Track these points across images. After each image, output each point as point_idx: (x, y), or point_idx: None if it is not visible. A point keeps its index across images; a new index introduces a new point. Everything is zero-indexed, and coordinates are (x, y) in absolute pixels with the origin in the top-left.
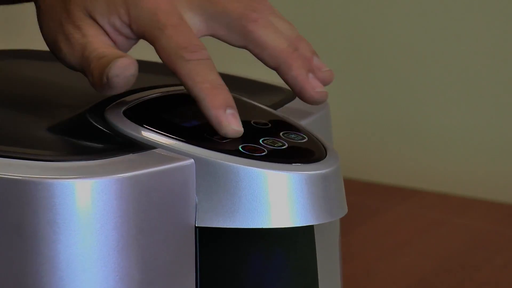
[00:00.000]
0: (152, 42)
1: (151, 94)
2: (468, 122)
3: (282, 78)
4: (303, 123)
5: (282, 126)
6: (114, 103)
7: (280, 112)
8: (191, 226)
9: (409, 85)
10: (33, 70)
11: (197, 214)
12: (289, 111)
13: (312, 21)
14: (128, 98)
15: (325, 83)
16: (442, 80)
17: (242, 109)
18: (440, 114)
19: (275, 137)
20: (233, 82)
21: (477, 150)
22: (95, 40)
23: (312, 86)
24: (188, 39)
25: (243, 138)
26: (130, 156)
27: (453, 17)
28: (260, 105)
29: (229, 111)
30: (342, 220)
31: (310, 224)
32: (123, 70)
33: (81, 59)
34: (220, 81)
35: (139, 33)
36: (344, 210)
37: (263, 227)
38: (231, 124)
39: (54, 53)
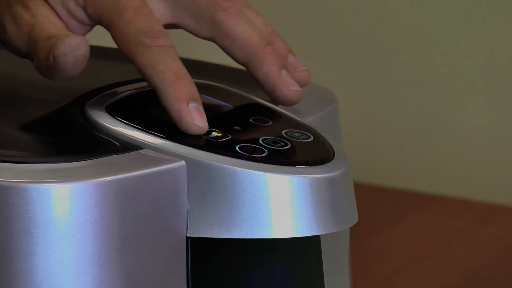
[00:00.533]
0: (108, 26)
1: (137, 88)
2: (493, 123)
3: (252, 75)
4: (308, 120)
5: (284, 123)
6: (95, 97)
7: (283, 108)
8: (182, 237)
9: (428, 81)
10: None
11: (189, 223)
12: (292, 107)
13: (324, 16)
14: (111, 92)
15: (301, 83)
16: (464, 77)
17: (240, 105)
18: (463, 113)
19: (276, 136)
20: (228, 74)
21: (503, 152)
22: (45, 21)
23: (286, 83)
24: (150, 23)
25: (241, 137)
26: (114, 158)
27: (470, 14)
28: (259, 100)
29: (192, 104)
30: (353, 230)
31: (316, 234)
32: (72, 49)
33: (27, 39)
34: (184, 71)
35: (94, 16)
36: (354, 219)
37: (263, 237)
38: (194, 119)
39: None
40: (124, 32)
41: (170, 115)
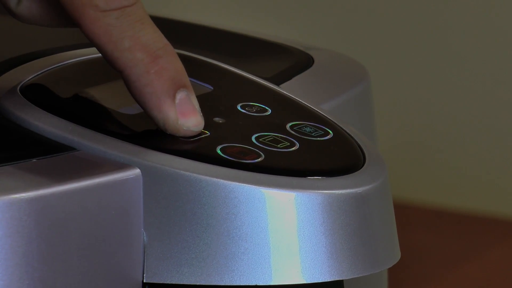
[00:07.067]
0: None
1: (65, 60)
2: None
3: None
4: (326, 107)
5: (290, 112)
6: (4, 74)
7: (287, 89)
8: (136, 284)
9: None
10: None
11: (146, 262)
12: (302, 88)
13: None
14: (27, 67)
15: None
16: None
17: (223, 85)
18: None
19: (278, 131)
20: (205, 38)
21: None
22: None
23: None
24: None
25: (224, 134)
26: (33, 163)
27: None
28: (254, 77)
29: (181, 94)
30: (393, 274)
31: (336, 279)
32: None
33: None
34: (161, 42)
35: None
36: (394, 257)
37: (258, 284)
38: (185, 119)
39: None
40: None
41: (147, 115)
